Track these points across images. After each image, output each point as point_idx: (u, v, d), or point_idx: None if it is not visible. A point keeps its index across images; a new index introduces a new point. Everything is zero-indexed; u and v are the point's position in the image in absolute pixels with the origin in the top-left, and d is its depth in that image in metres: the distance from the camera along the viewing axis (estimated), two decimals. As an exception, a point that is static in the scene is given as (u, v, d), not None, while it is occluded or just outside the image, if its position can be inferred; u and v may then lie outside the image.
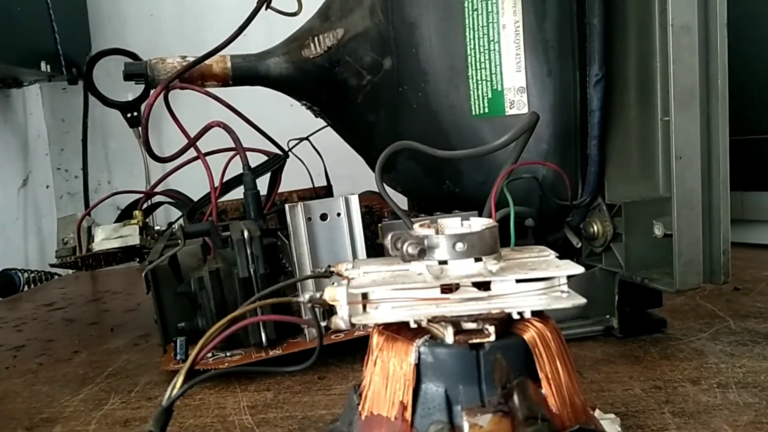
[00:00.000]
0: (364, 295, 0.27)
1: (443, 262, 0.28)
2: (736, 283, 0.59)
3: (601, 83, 0.44)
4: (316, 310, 0.28)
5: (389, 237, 0.28)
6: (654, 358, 0.43)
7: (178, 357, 0.46)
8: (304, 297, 0.28)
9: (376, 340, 0.28)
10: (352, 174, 0.66)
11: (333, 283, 0.28)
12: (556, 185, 0.47)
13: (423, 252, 0.27)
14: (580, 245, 0.49)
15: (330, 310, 0.29)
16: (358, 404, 0.28)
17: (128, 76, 0.55)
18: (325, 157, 0.67)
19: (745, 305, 0.53)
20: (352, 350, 0.46)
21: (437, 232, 0.28)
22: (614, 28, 0.44)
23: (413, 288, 0.27)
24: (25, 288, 0.92)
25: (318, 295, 0.28)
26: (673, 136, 0.41)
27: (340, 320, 0.27)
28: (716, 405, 0.36)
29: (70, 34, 0.97)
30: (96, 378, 0.48)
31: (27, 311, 0.73)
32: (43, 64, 0.90)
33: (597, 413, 0.30)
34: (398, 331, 0.27)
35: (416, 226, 0.29)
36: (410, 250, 0.27)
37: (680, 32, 0.40)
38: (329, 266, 0.30)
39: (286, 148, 0.59)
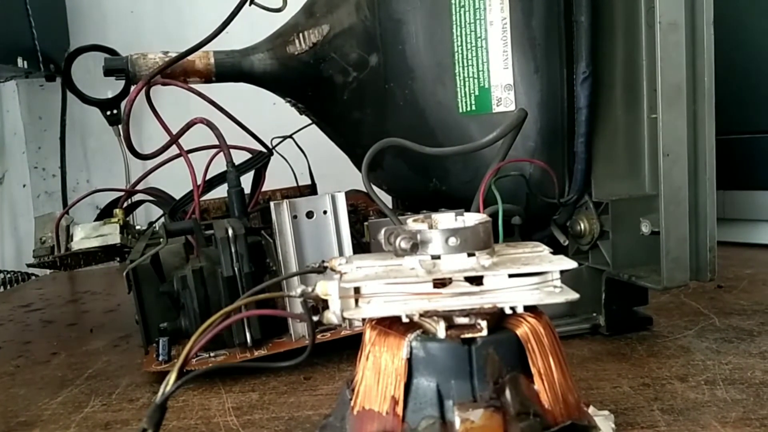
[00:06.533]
0: (357, 290, 0.27)
1: (436, 257, 0.27)
2: (719, 281, 0.59)
3: (588, 81, 0.44)
4: (307, 304, 0.28)
5: (383, 231, 0.27)
6: (641, 355, 0.43)
7: (160, 358, 0.45)
8: (297, 291, 0.27)
9: (368, 334, 0.27)
10: (337, 173, 0.65)
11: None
12: (543, 183, 0.47)
13: (416, 247, 0.27)
14: (566, 243, 0.49)
15: (316, 307, 0.28)
16: (351, 399, 0.27)
17: (108, 72, 0.54)
18: (309, 155, 0.67)
19: (729, 303, 0.54)
20: (339, 350, 0.46)
21: (430, 227, 0.28)
22: (601, 26, 0.44)
23: (405, 282, 0.26)
24: (1, 289, 0.90)
25: (310, 289, 0.27)
26: (660, 133, 0.41)
27: (332, 315, 0.27)
28: (705, 402, 0.36)
29: (48, 29, 0.95)
30: (75, 380, 0.47)
31: (3, 312, 0.71)
32: (19, 60, 0.88)
33: (591, 410, 0.30)
34: (391, 325, 0.27)
35: (409, 221, 0.29)
36: (403, 245, 0.27)
37: (668, 29, 0.40)
38: (323, 261, 0.30)
39: (270, 146, 0.59)
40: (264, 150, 0.57)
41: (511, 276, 0.27)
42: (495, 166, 0.43)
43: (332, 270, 0.29)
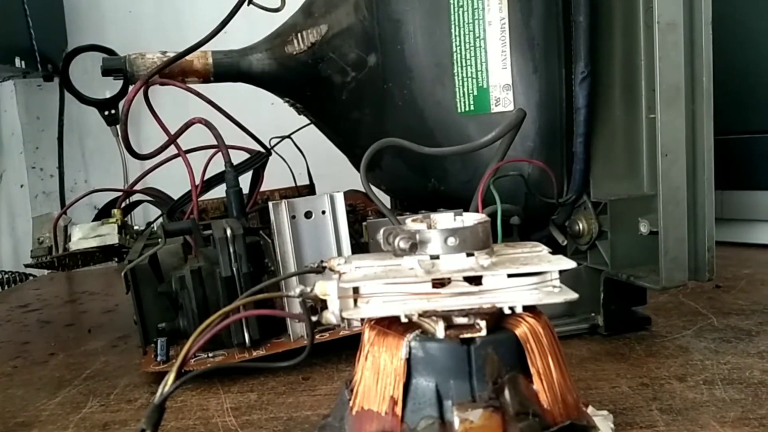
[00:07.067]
0: (355, 290, 0.27)
1: (435, 257, 0.27)
2: (717, 281, 0.59)
3: (587, 81, 0.44)
4: (306, 304, 0.28)
5: (381, 232, 0.27)
6: (640, 355, 0.43)
7: (158, 358, 0.45)
8: (295, 291, 0.27)
9: (367, 334, 0.27)
10: (335, 173, 0.65)
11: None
12: (541, 183, 0.47)
13: (415, 247, 0.27)
14: (565, 243, 0.49)
15: (314, 307, 0.28)
16: (350, 399, 0.27)
17: (106, 72, 0.54)
18: (307, 155, 0.67)
19: (727, 302, 0.54)
20: (337, 350, 0.46)
21: (429, 227, 0.28)
22: (600, 26, 0.44)
23: (404, 282, 0.26)
24: (-2, 290, 0.90)
25: (309, 289, 0.27)
26: (659, 133, 0.41)
27: (331, 315, 0.27)
28: (703, 401, 0.36)
29: (46, 29, 0.95)
30: (73, 381, 0.46)
31: (1, 313, 0.71)
32: (17, 60, 0.88)
33: (590, 410, 0.30)
34: (389, 325, 0.27)
35: (408, 221, 0.29)
36: (402, 245, 0.27)
37: (666, 29, 0.40)
38: (322, 261, 0.30)
39: (268, 146, 0.58)
40: (262, 150, 0.57)
41: (510, 276, 0.27)
42: (494, 166, 0.43)
43: (331, 270, 0.29)
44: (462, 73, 0.47)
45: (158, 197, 0.62)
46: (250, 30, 0.55)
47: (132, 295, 0.47)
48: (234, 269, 0.44)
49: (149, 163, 0.57)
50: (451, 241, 0.27)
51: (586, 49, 0.44)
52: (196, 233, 0.48)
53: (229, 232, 0.44)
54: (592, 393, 0.38)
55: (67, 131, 1.06)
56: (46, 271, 0.91)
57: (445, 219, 0.30)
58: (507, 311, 0.27)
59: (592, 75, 0.44)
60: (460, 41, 0.47)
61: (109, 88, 0.59)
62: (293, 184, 0.68)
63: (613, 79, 0.45)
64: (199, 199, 0.55)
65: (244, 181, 0.55)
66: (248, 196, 0.57)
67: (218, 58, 0.54)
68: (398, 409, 0.26)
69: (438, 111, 0.48)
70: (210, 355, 0.45)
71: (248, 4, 0.53)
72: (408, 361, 0.26)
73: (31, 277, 0.95)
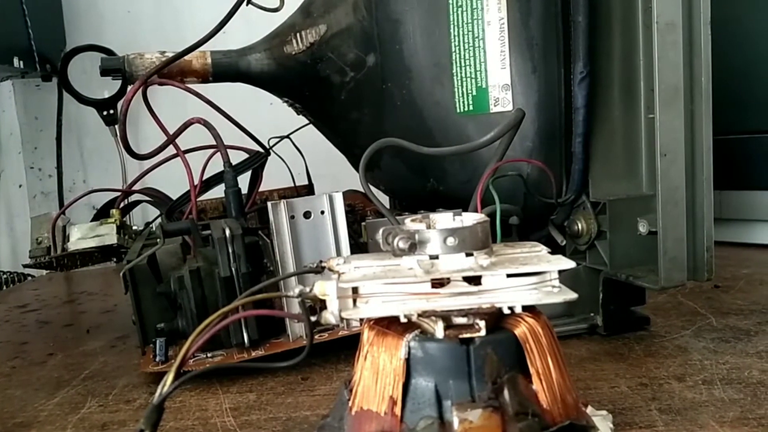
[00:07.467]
0: (355, 290, 0.27)
1: (434, 257, 0.27)
2: (716, 281, 0.59)
3: (586, 81, 0.44)
4: (305, 304, 0.28)
5: (381, 232, 0.27)
6: (639, 355, 0.43)
7: (157, 358, 0.45)
8: (294, 291, 0.27)
9: (366, 334, 0.27)
10: (334, 173, 0.65)
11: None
12: (540, 183, 0.47)
13: (414, 247, 0.27)
14: (564, 243, 0.49)
15: (313, 307, 0.28)
16: (349, 399, 0.27)
17: (105, 72, 0.54)
18: (306, 155, 0.67)
19: (726, 302, 0.54)
20: (336, 350, 0.46)
21: (428, 227, 0.28)
22: (599, 26, 0.44)
23: (404, 282, 0.26)
24: (-3, 290, 0.90)
25: (308, 289, 0.27)
26: (658, 134, 0.41)
27: (330, 315, 0.27)
28: (702, 401, 0.36)
29: (44, 29, 0.95)
30: (72, 381, 0.46)
31: (-1, 313, 0.71)
32: (15, 60, 0.88)
33: (589, 410, 0.30)
34: (389, 325, 0.27)
35: (407, 221, 0.29)
36: (401, 245, 0.27)
37: (665, 30, 0.40)
38: (321, 261, 0.30)
39: (267, 146, 0.58)
40: (261, 150, 0.57)
41: (509, 276, 0.27)
42: (493, 166, 0.43)
43: (330, 270, 0.29)
44: (461, 73, 0.47)
45: (157, 197, 0.62)
46: (249, 30, 0.55)
47: (131, 296, 0.47)
48: (233, 269, 0.44)
49: (148, 163, 0.57)
50: (451, 241, 0.27)
51: (585, 49, 0.44)
52: (195, 233, 0.48)
53: (227, 232, 0.44)
54: (591, 393, 0.38)
55: (66, 131, 1.06)
56: (44, 272, 0.91)
57: (444, 219, 0.30)
58: (506, 311, 0.27)
59: (591, 75, 0.44)
60: (459, 41, 0.47)
61: (108, 88, 0.59)
62: (292, 184, 0.68)
63: (612, 79, 0.45)
64: (198, 199, 0.55)
65: (243, 181, 0.55)
66: (247, 196, 0.57)
67: (217, 58, 0.54)
68: (397, 410, 0.26)
69: (437, 111, 0.48)
70: (209, 355, 0.45)
71: (247, 4, 0.53)
72: (407, 361, 0.26)
73: (29, 278, 0.95)
